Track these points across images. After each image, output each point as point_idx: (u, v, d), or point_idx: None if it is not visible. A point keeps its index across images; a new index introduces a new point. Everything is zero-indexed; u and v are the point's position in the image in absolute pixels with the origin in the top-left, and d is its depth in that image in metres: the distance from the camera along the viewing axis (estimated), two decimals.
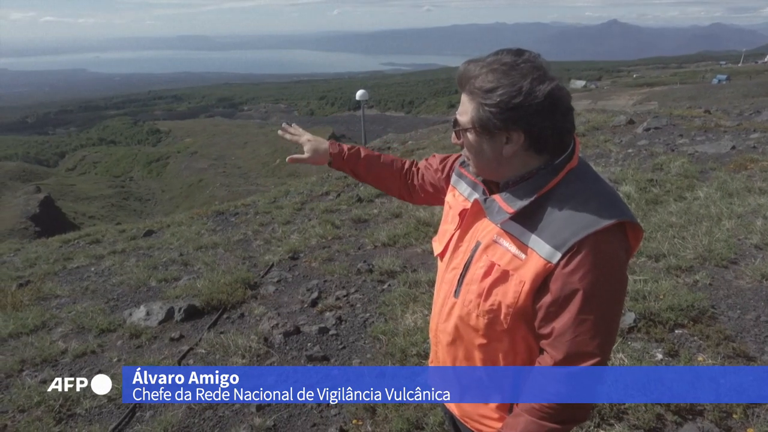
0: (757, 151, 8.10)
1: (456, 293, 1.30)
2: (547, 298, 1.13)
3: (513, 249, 1.18)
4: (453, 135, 1.26)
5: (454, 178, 1.47)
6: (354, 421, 2.69)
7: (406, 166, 1.70)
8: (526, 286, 1.15)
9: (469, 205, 1.34)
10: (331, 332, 3.79)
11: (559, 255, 1.10)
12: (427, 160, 1.67)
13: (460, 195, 1.41)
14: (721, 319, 3.33)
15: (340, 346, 3.60)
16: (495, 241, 1.22)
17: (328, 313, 4.11)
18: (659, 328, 3.18)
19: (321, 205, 8.12)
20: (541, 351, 1.21)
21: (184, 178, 59.29)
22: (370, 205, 7.79)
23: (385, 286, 4.54)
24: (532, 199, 1.16)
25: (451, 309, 1.32)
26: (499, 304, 1.20)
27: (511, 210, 1.18)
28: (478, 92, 1.14)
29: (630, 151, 9.26)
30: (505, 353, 1.26)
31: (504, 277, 1.19)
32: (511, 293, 1.18)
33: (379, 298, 4.29)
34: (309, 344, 3.64)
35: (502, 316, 1.21)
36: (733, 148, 8.46)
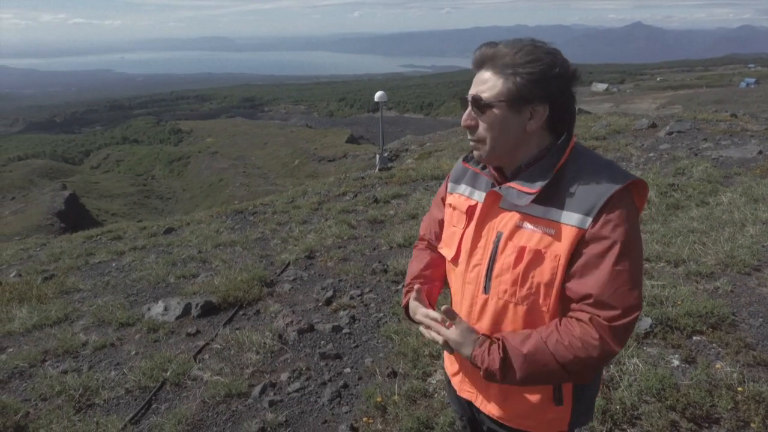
0: None
1: (486, 289, 1.29)
2: (581, 262, 1.16)
3: (540, 228, 1.20)
4: (466, 115, 1.26)
5: (450, 185, 1.48)
6: (365, 419, 2.70)
7: (430, 248, 1.59)
8: (562, 260, 1.17)
9: (474, 202, 1.35)
10: (344, 331, 3.81)
11: (590, 220, 1.15)
12: (426, 221, 1.61)
13: (461, 195, 1.41)
14: (742, 326, 3.25)
15: (353, 345, 3.62)
16: (518, 227, 1.23)
17: (342, 312, 4.14)
18: (676, 334, 3.12)
19: (338, 205, 8.17)
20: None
21: (205, 177, 60.13)
22: (386, 206, 7.81)
23: (399, 287, 4.55)
24: (551, 175, 1.20)
25: (483, 306, 1.30)
26: (538, 286, 1.20)
27: (532, 190, 1.21)
28: (511, 65, 1.17)
29: (651, 155, 9.10)
30: None
31: (538, 257, 1.20)
32: (548, 271, 1.19)
33: (393, 298, 4.30)
34: (322, 342, 3.67)
35: (541, 299, 1.21)
36: (760, 152, 8.25)
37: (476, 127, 1.25)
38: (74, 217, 36.27)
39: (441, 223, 1.53)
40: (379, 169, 13.27)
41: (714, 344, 3.05)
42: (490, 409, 1.40)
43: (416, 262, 1.58)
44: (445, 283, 1.55)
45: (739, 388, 2.55)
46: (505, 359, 1.20)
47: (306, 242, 6.12)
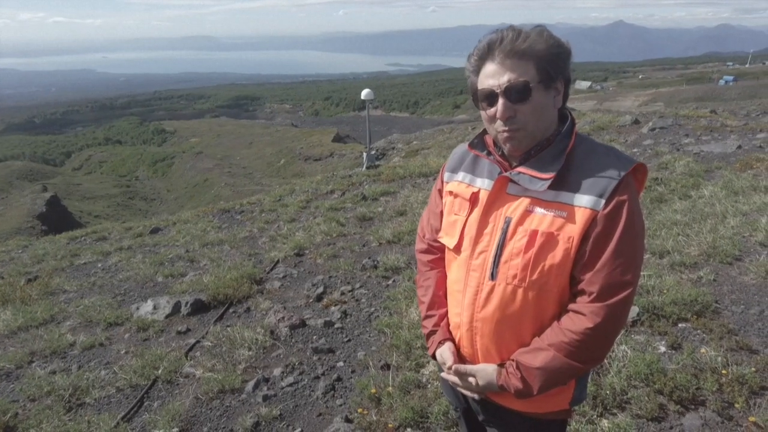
0: (764, 150, 8.07)
1: (493, 275, 1.28)
2: (591, 241, 1.19)
3: (551, 212, 1.22)
4: (503, 107, 1.21)
5: (447, 175, 1.47)
6: (359, 410, 2.72)
7: (431, 253, 1.58)
8: (575, 241, 1.20)
9: (476, 189, 1.36)
10: (336, 326, 3.82)
11: (603, 201, 1.18)
12: (425, 218, 1.60)
13: (461, 183, 1.41)
14: (725, 313, 3.34)
15: (346, 339, 3.64)
16: (529, 211, 1.24)
17: (333, 308, 4.15)
18: (663, 322, 3.20)
19: (326, 203, 8.17)
20: (573, 298, 1.24)
21: (189, 177, 59.41)
22: (375, 204, 7.83)
23: (390, 282, 4.58)
24: (564, 159, 1.23)
25: (489, 293, 1.29)
26: (550, 268, 1.22)
27: (547, 176, 1.23)
28: (531, 49, 1.19)
29: (635, 150, 9.25)
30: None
31: (551, 239, 1.21)
32: (560, 253, 1.21)
33: (384, 293, 4.32)
34: (315, 337, 3.68)
35: (552, 281, 1.23)
36: (739, 147, 8.43)
37: (514, 116, 1.22)
38: (56, 219, 35.58)
39: (442, 214, 1.49)
40: (367, 168, 13.28)
41: (699, 330, 3.13)
42: (498, 398, 1.41)
43: (424, 282, 1.54)
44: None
45: (723, 371, 2.62)
46: (524, 378, 1.25)
47: (295, 240, 6.11)
